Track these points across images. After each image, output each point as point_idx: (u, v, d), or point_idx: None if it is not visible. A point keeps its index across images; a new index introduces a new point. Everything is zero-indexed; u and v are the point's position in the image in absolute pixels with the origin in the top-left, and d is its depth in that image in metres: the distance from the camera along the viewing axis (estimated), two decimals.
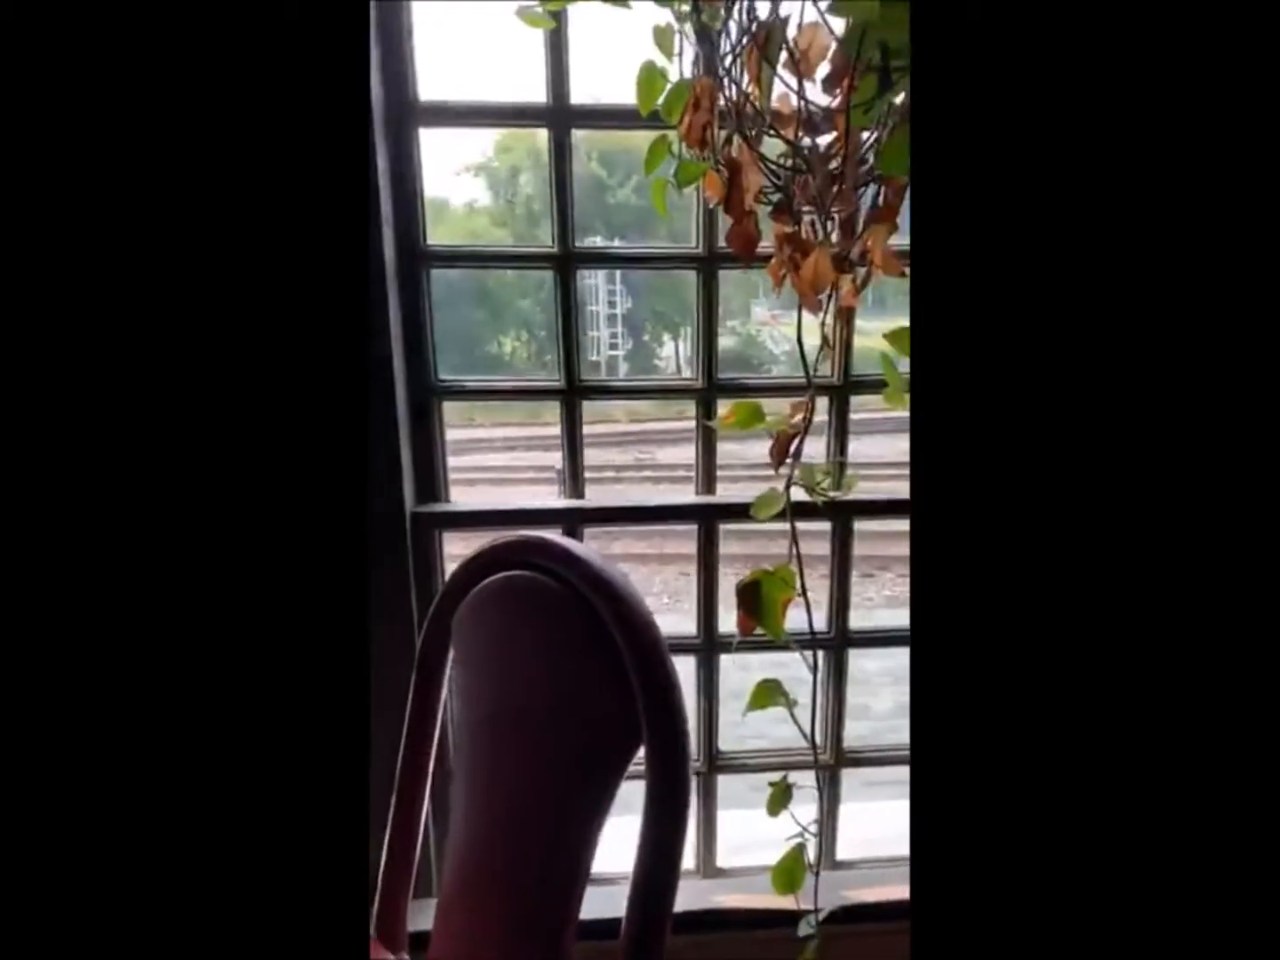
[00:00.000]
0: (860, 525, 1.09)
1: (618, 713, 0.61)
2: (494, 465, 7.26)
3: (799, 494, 0.83)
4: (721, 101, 0.65)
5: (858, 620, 1.14)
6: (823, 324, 0.74)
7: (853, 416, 1.09)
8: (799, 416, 0.78)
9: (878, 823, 1.30)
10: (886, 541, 5.42)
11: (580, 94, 0.95)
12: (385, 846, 0.81)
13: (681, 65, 0.75)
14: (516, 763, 0.69)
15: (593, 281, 10.66)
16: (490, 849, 0.70)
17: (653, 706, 0.59)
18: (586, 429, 1.06)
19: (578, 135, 0.96)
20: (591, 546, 0.69)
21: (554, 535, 0.71)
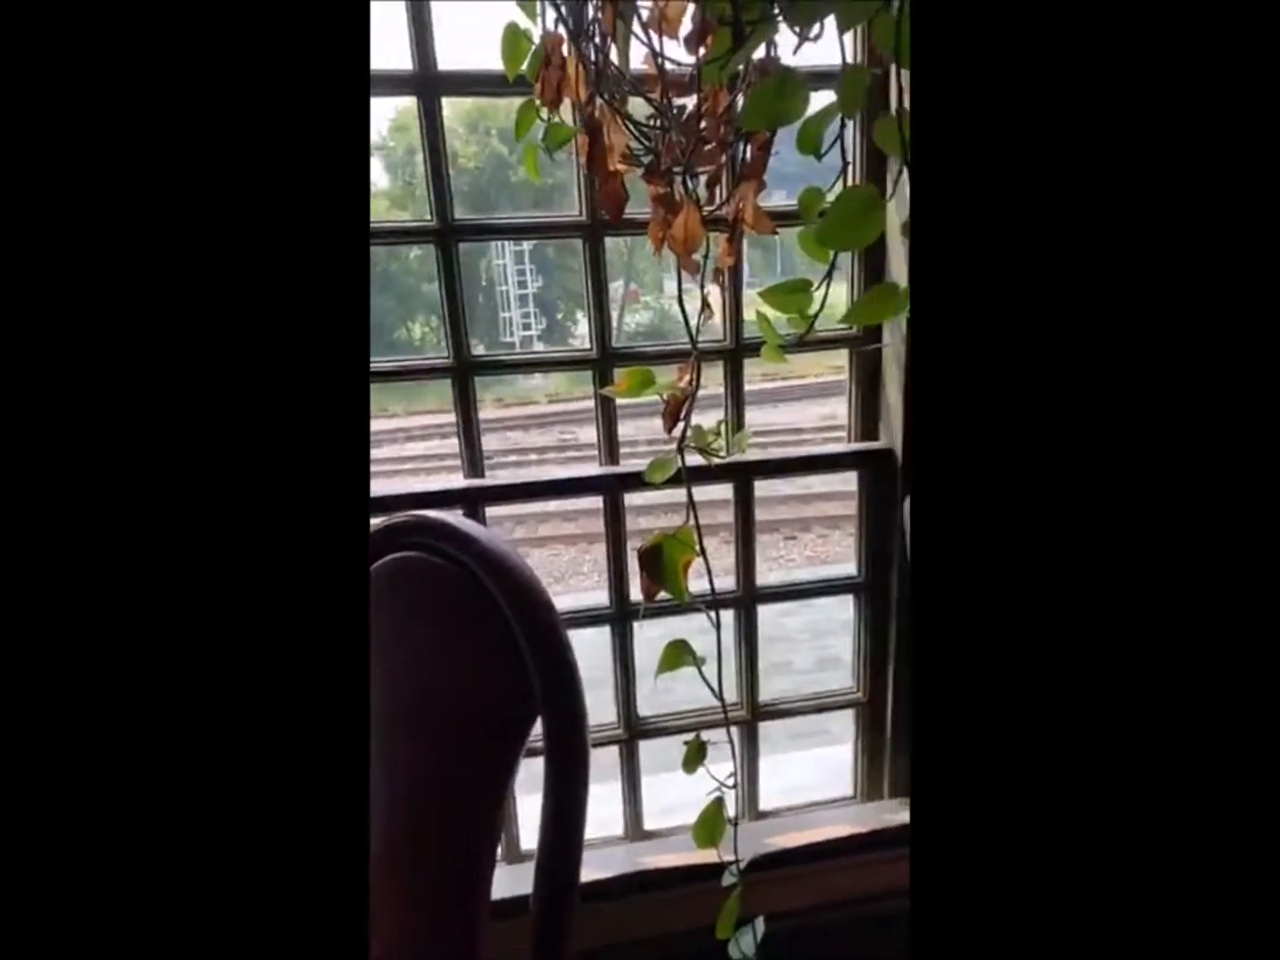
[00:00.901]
0: (784, 489, 1.11)
1: (513, 689, 0.60)
2: (414, 455, 7.10)
3: (695, 458, 0.84)
4: (578, 62, 0.64)
5: (783, 580, 1.17)
6: (701, 285, 0.74)
7: (770, 385, 1.11)
8: (686, 380, 0.79)
9: (802, 771, 1.35)
10: (807, 504, 5.58)
11: (450, 61, 0.92)
12: None
13: (545, 26, 0.73)
14: (416, 746, 0.68)
15: (501, 262, 10.45)
16: (397, 835, 0.69)
17: (548, 680, 0.59)
18: (506, 412, 1.05)
19: (478, 112, 0.94)
20: (483, 525, 0.68)
21: (444, 514, 0.70)
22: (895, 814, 1.19)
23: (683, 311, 0.79)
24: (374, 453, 1.11)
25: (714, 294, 0.76)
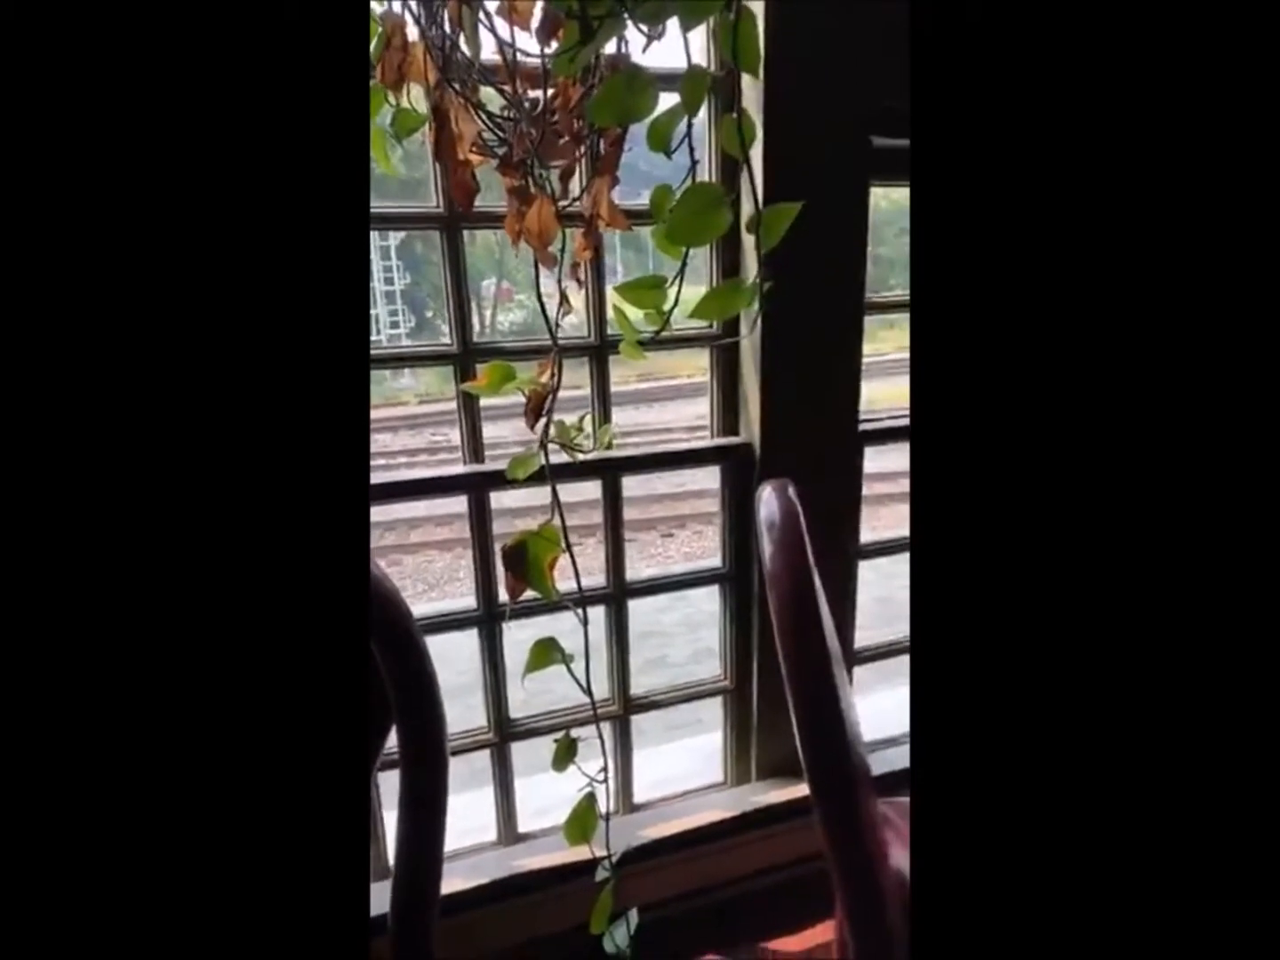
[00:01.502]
0: (660, 488, 1.12)
1: (370, 713, 0.58)
2: None
3: (561, 456, 0.83)
4: (424, 48, 0.62)
5: (654, 574, 1.18)
6: (559, 279, 0.74)
7: (644, 385, 1.12)
8: (547, 375, 0.78)
9: (675, 762, 1.37)
10: (682, 501, 5.70)
11: None
12: None
13: (389, 5, 0.71)
14: None
15: None
16: None
17: (404, 690, 0.57)
18: (375, 414, 1.00)
19: None
20: None
21: None
22: (762, 795, 1.23)
23: (541, 306, 0.78)
24: None
25: (573, 289, 0.76)
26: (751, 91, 0.95)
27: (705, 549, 5.21)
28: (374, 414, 1.02)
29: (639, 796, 1.25)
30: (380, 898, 1.04)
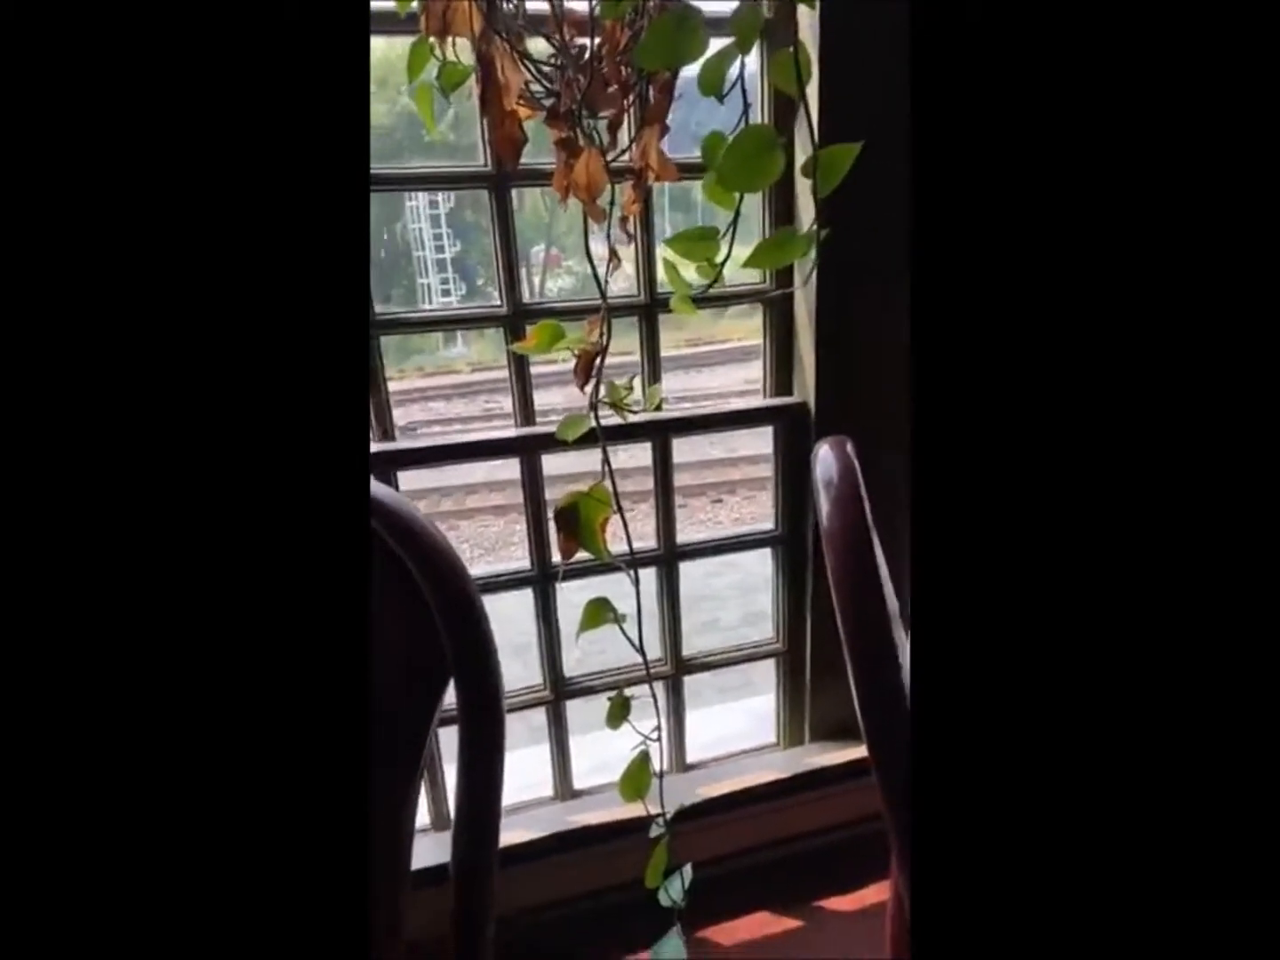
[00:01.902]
0: (712, 453, 1.11)
1: (426, 656, 0.59)
2: None
3: (612, 419, 0.83)
4: None
5: (705, 537, 1.18)
6: (608, 235, 0.73)
7: (693, 350, 1.10)
8: (596, 333, 0.77)
9: (728, 723, 1.38)
10: (734, 467, 5.66)
11: None
12: None
13: None
14: None
15: (417, 226, 10.09)
16: None
17: (461, 648, 0.57)
18: (428, 381, 1.02)
19: (386, 66, 0.88)
20: (391, 489, 0.65)
21: None
22: (816, 757, 1.23)
23: (590, 262, 0.77)
24: None
25: (622, 244, 0.75)
26: (808, 29, 0.91)
27: (755, 514, 5.17)
28: (428, 382, 1.04)
29: (692, 756, 1.26)
30: (442, 847, 1.07)
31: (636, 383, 0.83)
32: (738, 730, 1.33)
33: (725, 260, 0.66)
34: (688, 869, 1.00)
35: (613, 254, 0.74)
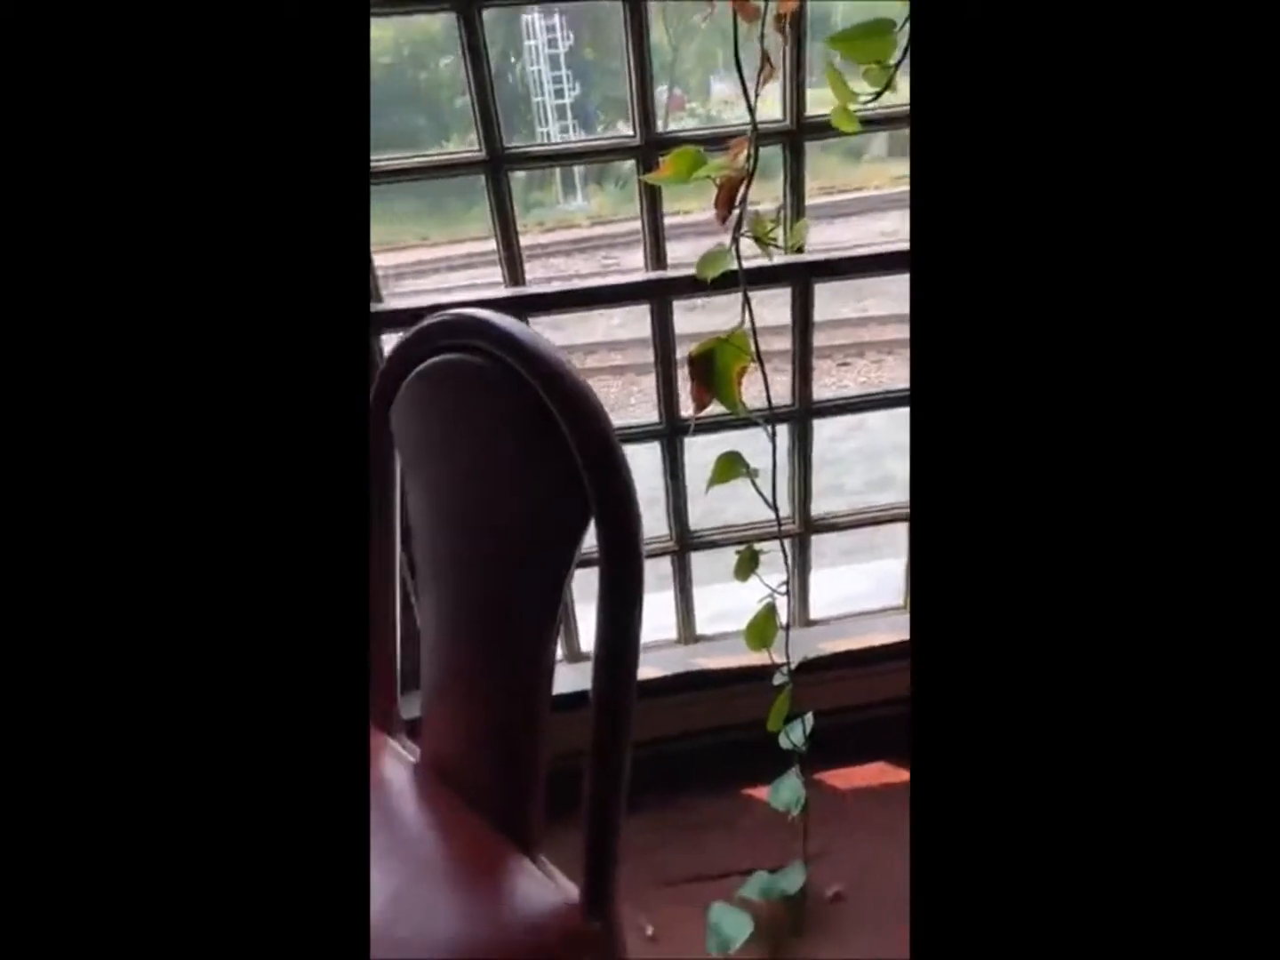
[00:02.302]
0: (843, 311, 1.03)
1: (566, 497, 0.59)
2: (459, 284, 6.91)
3: (751, 260, 0.77)
4: None
5: (837, 395, 1.11)
6: (761, 37, 0.64)
7: (827, 199, 1.00)
8: (742, 156, 0.70)
9: (853, 584, 1.37)
10: (861, 328, 5.35)
11: None
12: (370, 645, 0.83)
13: None
14: (469, 558, 0.68)
15: (536, 68, 9.61)
16: (454, 645, 0.72)
17: (601, 488, 0.57)
18: (548, 237, 0.99)
19: None
20: (531, 329, 0.63)
21: (489, 313, 0.65)
22: None
23: (739, 75, 0.69)
24: (415, 284, 1.05)
25: (776, 49, 0.66)
26: None
27: (883, 380, 4.92)
28: (548, 238, 1.00)
29: (814, 614, 1.26)
30: (575, 677, 1.14)
31: (782, 216, 0.76)
32: (861, 591, 1.31)
33: (901, 60, 0.57)
34: (809, 717, 1.02)
35: (764, 60, 0.65)
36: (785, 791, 1.04)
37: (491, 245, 1.02)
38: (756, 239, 0.74)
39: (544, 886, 0.66)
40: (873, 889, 1.02)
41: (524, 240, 1.00)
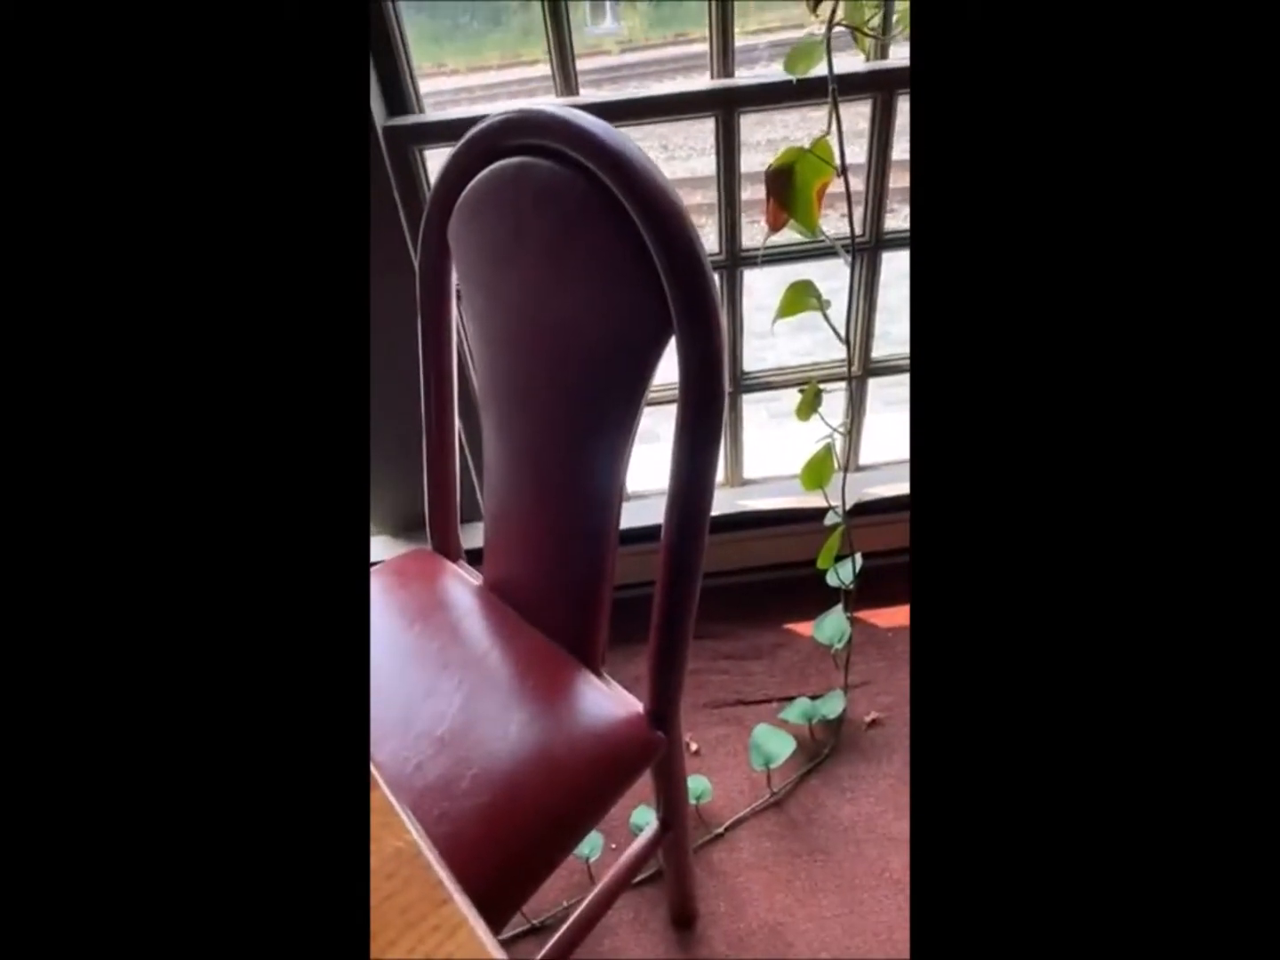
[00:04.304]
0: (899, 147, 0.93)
1: (643, 310, 0.55)
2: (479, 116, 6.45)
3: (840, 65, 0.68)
4: None
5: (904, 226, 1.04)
6: None
7: None
8: None
9: (897, 432, 1.34)
10: None
11: None
12: (425, 471, 0.82)
13: None
14: (534, 378, 0.66)
15: None
16: (520, 468, 0.71)
17: (682, 296, 0.53)
18: (576, 65, 0.88)
19: None
20: (611, 127, 0.57)
21: (564, 110, 0.58)
22: None
23: None
24: (437, 116, 0.96)
25: None
26: None
27: None
28: (577, 65, 0.89)
29: (864, 460, 1.24)
30: (636, 512, 1.14)
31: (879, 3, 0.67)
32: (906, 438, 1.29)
33: None
34: (858, 556, 1.02)
35: None
36: (829, 626, 1.07)
37: (515, 75, 0.92)
38: (852, 29, 0.66)
39: (610, 698, 0.68)
40: (909, 717, 1.07)
41: (542, 70, 0.91)
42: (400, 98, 0.94)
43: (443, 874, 0.29)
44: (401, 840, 0.30)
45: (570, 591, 0.72)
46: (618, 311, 0.58)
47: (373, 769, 0.33)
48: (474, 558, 0.86)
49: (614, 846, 0.97)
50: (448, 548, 0.87)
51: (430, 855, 0.30)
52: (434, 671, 0.71)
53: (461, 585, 0.81)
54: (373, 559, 1.15)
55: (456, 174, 0.64)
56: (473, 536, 1.10)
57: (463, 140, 0.63)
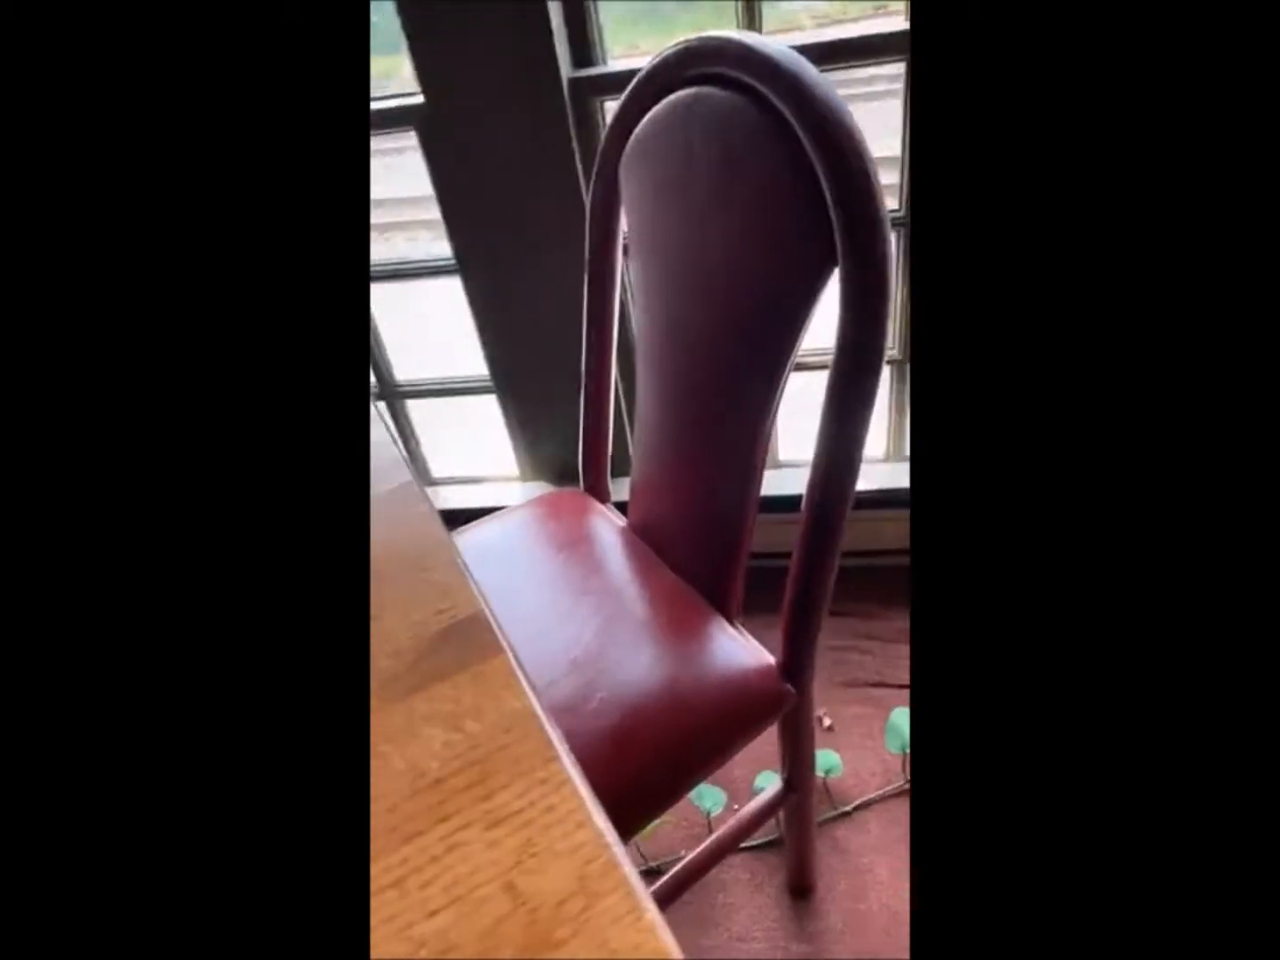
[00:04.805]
0: None
1: (806, 241, 0.53)
2: None
3: None
4: None
5: None
6: None
7: None
8: None
9: None
10: None
11: None
12: (581, 415, 0.85)
13: None
14: (691, 317, 0.65)
15: None
16: (669, 409, 0.71)
17: (850, 225, 0.51)
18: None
19: None
20: (782, 45, 0.55)
21: (746, 35, 0.57)
22: None
23: None
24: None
25: None
26: None
27: None
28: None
29: None
30: (784, 482, 1.11)
31: None
32: None
33: None
34: None
35: None
36: None
37: None
38: None
39: (743, 647, 0.68)
40: None
41: None
42: (586, 51, 0.96)
43: (554, 736, 0.30)
44: (520, 702, 0.31)
45: (711, 537, 0.71)
46: (781, 248, 0.56)
47: (500, 637, 0.34)
48: (620, 510, 0.88)
49: (736, 806, 0.96)
50: (599, 490, 0.89)
51: (545, 720, 0.31)
52: (573, 598, 0.73)
53: (607, 524, 0.83)
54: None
55: (635, 108, 0.65)
56: (620, 490, 1.13)
57: (641, 73, 0.63)
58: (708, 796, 0.95)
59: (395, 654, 0.34)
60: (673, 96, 0.62)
